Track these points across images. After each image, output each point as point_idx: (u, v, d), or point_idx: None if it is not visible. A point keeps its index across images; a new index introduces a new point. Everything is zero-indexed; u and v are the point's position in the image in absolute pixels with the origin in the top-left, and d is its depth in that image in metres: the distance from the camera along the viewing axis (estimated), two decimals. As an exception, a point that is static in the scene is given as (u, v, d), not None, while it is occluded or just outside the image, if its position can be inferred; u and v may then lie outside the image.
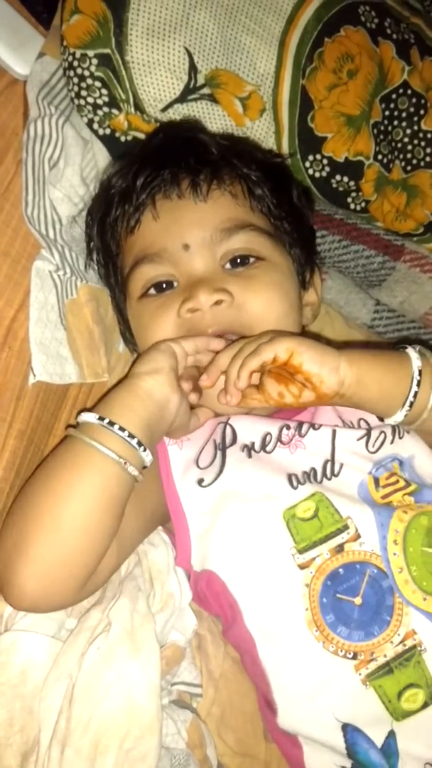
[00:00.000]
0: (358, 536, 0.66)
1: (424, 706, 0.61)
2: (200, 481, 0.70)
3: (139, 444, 0.63)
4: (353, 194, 0.89)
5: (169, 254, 0.73)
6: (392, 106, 0.88)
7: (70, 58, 0.78)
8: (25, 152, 0.74)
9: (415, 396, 0.64)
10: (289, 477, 0.70)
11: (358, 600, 0.64)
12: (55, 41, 0.79)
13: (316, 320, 1.02)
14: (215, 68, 0.80)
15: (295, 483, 0.69)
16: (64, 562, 0.60)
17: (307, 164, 0.86)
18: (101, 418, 0.62)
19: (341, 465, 0.71)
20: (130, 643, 0.63)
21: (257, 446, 0.72)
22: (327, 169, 0.86)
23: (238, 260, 0.74)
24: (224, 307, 0.71)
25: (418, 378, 0.64)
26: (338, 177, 0.87)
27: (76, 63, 0.78)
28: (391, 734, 0.62)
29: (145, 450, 0.63)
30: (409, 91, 0.87)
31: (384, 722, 0.61)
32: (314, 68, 0.82)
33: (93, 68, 0.78)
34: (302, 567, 0.66)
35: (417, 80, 0.88)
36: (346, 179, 0.87)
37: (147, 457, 0.64)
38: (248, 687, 0.76)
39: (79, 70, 0.78)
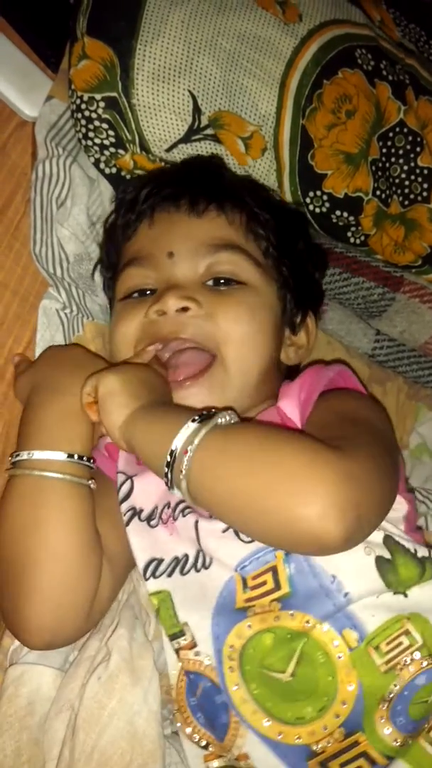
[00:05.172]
0: (194, 645, 0.62)
1: None
2: None
3: (80, 457, 0.64)
4: (353, 228, 0.91)
5: (155, 260, 0.75)
6: (389, 144, 0.90)
7: (78, 101, 0.81)
8: (34, 192, 0.77)
9: (174, 458, 0.55)
10: (149, 563, 0.66)
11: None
12: (63, 85, 0.82)
13: (318, 349, 1.04)
14: (218, 110, 0.83)
15: (149, 573, 0.65)
16: (68, 590, 0.61)
17: (308, 200, 0.89)
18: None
19: (211, 558, 0.64)
20: (129, 671, 0.64)
21: (143, 516, 0.68)
22: (327, 204, 0.89)
23: (221, 281, 0.74)
24: (190, 315, 0.70)
25: (180, 444, 0.55)
26: (338, 212, 0.89)
27: (83, 106, 0.81)
28: None
29: (88, 459, 0.64)
30: (405, 130, 0.90)
31: None
32: (314, 109, 0.84)
33: (100, 111, 0.81)
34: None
35: (413, 119, 0.90)
36: (345, 214, 0.89)
37: (91, 462, 0.65)
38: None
39: (86, 113, 0.81)
